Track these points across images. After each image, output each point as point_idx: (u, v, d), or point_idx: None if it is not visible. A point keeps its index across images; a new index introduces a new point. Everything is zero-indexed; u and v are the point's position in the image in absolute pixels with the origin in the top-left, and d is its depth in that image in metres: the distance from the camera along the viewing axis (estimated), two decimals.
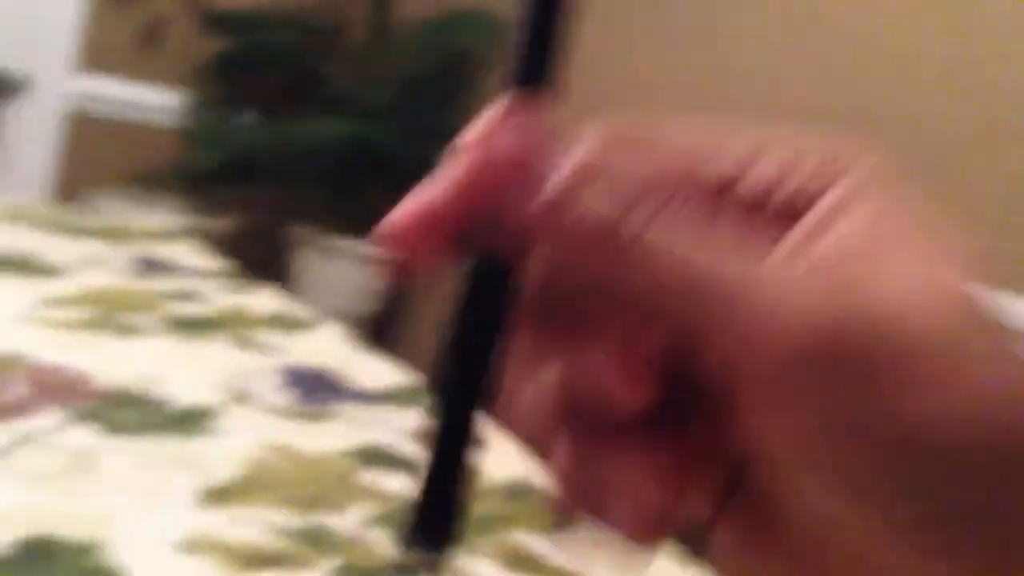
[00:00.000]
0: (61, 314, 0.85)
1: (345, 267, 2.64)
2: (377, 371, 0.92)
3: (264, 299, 1.08)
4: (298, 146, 2.59)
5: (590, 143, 0.21)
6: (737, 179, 0.22)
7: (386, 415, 0.80)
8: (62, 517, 0.51)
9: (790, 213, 0.21)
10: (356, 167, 2.60)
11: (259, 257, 2.88)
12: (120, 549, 0.49)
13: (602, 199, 0.20)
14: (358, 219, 2.66)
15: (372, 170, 2.62)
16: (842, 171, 0.21)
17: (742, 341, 0.19)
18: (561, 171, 0.20)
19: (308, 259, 2.69)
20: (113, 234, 1.20)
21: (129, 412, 0.68)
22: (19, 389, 0.67)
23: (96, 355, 0.78)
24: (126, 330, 0.86)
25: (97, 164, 2.69)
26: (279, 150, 2.61)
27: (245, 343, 0.91)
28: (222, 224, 2.70)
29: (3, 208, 1.20)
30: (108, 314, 0.88)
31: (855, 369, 0.18)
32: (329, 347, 0.96)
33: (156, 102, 2.73)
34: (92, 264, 1.05)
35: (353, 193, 2.66)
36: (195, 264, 1.17)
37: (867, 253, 0.19)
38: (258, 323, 0.98)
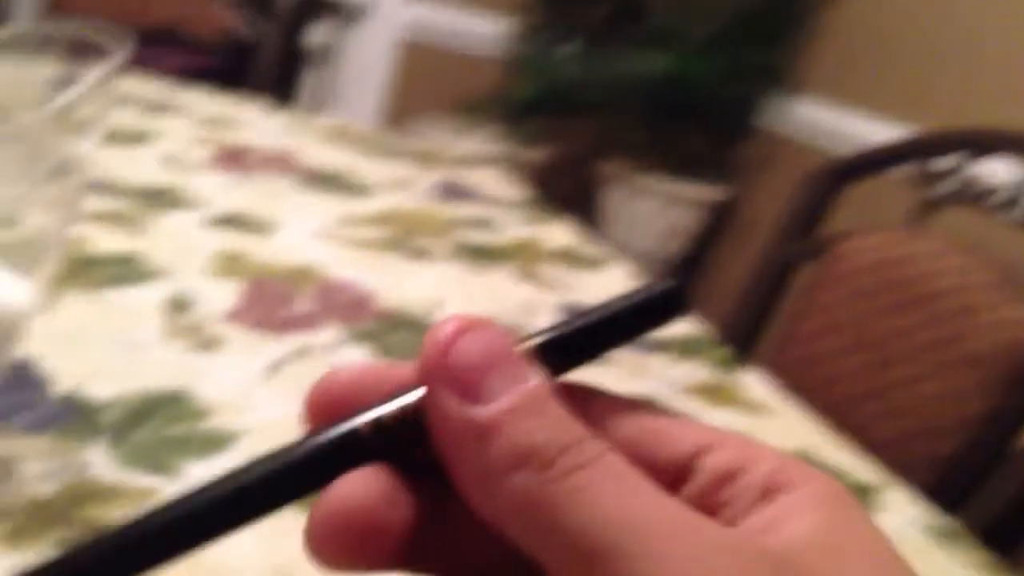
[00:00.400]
0: (359, 233, 0.88)
1: (653, 206, 2.60)
2: None
3: (558, 232, 1.06)
4: (617, 79, 2.55)
5: (540, 377, 0.20)
6: (683, 464, 0.21)
7: (665, 365, 0.76)
8: None
9: (734, 510, 0.20)
10: (674, 104, 2.53)
11: (569, 190, 2.90)
12: None
13: (545, 429, 0.19)
14: (671, 158, 2.60)
15: (689, 108, 2.54)
16: (795, 480, 0.20)
17: None
18: (512, 388, 0.19)
19: (617, 196, 2.67)
20: (425, 158, 1.23)
21: (404, 335, 0.68)
22: (306, 304, 0.70)
23: (383, 276, 0.79)
24: (417, 253, 0.87)
25: (424, 90, 2.80)
26: (598, 83, 2.59)
27: (531, 276, 0.89)
28: (536, 155, 2.74)
29: (327, 127, 1.27)
30: (402, 236, 0.90)
31: None
32: (615, 287, 0.93)
33: (483, 31, 2.80)
34: (398, 186, 1.07)
35: (668, 131, 2.60)
36: (497, 192, 1.17)
37: (818, 558, 0.19)
38: (548, 256, 0.96)
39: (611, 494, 0.18)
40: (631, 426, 0.22)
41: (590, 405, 0.22)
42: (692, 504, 0.20)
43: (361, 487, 0.19)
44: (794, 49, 2.55)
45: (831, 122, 2.39)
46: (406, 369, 0.21)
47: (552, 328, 0.21)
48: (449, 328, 0.19)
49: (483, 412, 0.19)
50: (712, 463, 0.21)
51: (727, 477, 0.21)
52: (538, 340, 0.21)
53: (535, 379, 0.19)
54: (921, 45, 2.20)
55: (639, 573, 0.17)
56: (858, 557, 0.19)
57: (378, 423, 0.20)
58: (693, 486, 0.21)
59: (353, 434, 0.20)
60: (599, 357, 0.22)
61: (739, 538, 0.19)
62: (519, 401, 0.19)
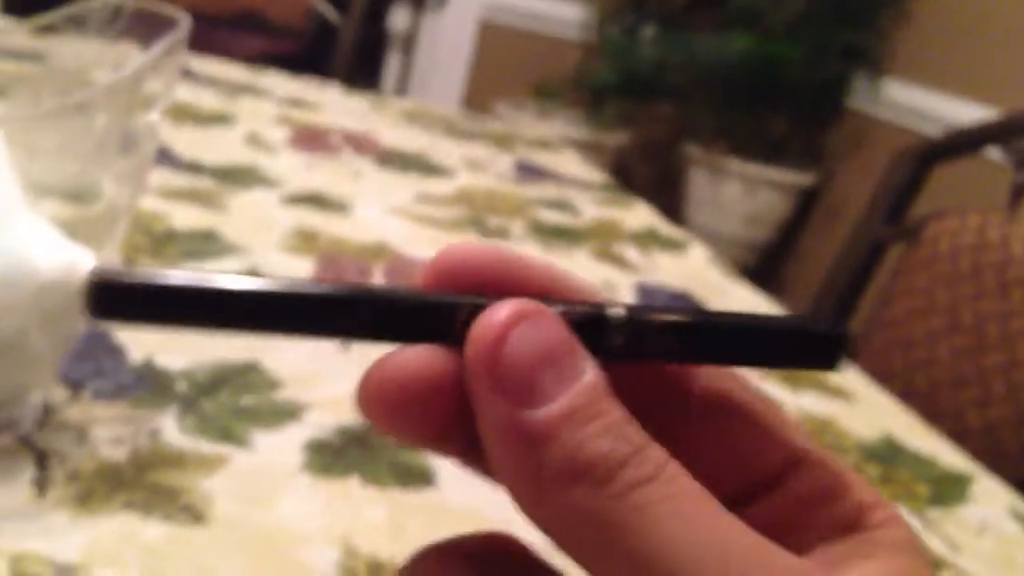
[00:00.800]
0: (435, 211, 0.87)
1: (738, 191, 2.55)
2: (742, 300, 0.86)
3: (636, 215, 1.04)
4: (699, 62, 2.51)
5: (595, 372, 0.18)
6: (777, 471, 0.21)
7: None
8: None
9: (814, 535, 0.20)
10: (758, 86, 2.48)
11: (651, 175, 2.87)
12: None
13: (602, 436, 0.17)
14: (756, 142, 2.55)
15: (775, 90, 2.49)
16: (879, 521, 0.20)
17: None
18: (566, 388, 0.18)
19: (700, 180, 2.63)
20: (501, 140, 1.22)
21: None
22: (380, 279, 0.69)
23: None
24: (492, 232, 0.86)
25: (505, 74, 2.80)
26: (680, 65, 2.55)
27: (608, 257, 0.88)
28: (617, 138, 2.71)
29: (405, 109, 1.27)
30: (478, 215, 0.89)
31: None
32: (695, 269, 0.91)
33: (562, 15, 2.78)
34: (475, 166, 1.07)
35: (751, 113, 2.55)
36: (575, 174, 1.15)
37: None
38: (626, 237, 0.95)
39: (679, 515, 0.17)
40: (733, 418, 0.21)
41: (697, 384, 0.21)
42: (773, 515, 0.20)
43: (430, 358, 0.19)
44: (882, 30, 2.47)
45: (922, 103, 2.31)
46: (539, 271, 0.20)
47: (672, 311, 0.20)
48: (500, 318, 0.18)
49: (535, 417, 0.17)
50: (806, 481, 0.20)
51: (817, 500, 0.20)
52: (653, 317, 0.19)
53: (590, 374, 0.18)
54: (1013, 25, 2.11)
55: None
56: None
57: (473, 314, 0.18)
58: (780, 498, 0.21)
59: (450, 309, 0.19)
60: (712, 362, 0.20)
61: (809, 569, 0.18)
62: (574, 403, 0.17)
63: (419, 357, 0.19)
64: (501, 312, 0.18)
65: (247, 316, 0.18)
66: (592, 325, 0.19)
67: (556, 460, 0.17)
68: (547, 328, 0.18)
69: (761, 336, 0.20)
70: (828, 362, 0.20)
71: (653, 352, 0.19)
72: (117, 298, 0.17)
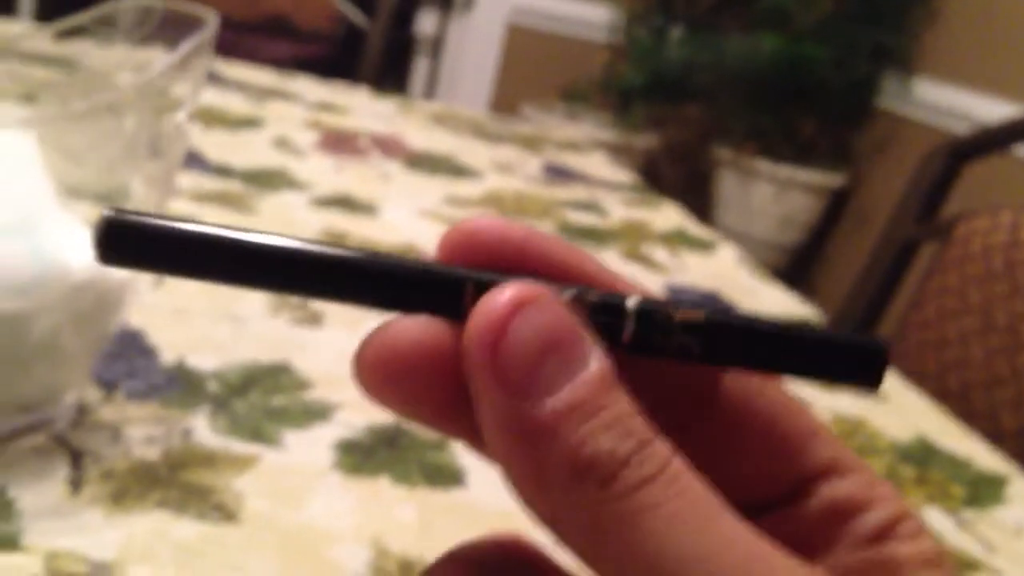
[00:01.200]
0: (463, 213, 0.88)
1: (768, 193, 2.54)
2: (773, 300, 0.85)
3: (665, 215, 1.04)
4: (727, 63, 2.50)
5: (600, 360, 0.17)
6: (806, 478, 0.20)
7: None
8: None
9: (840, 546, 0.19)
10: (787, 87, 2.47)
11: (680, 177, 2.86)
12: (464, 451, 0.48)
13: (605, 431, 0.16)
14: (786, 143, 2.53)
15: (803, 91, 2.47)
16: (907, 532, 0.19)
17: None
18: (569, 378, 0.17)
19: (730, 182, 2.62)
20: (529, 142, 1.22)
21: None
22: None
23: None
24: None
25: (533, 77, 2.80)
26: (708, 67, 2.54)
27: (636, 258, 0.88)
28: (646, 140, 2.70)
29: (433, 111, 1.27)
30: (508, 217, 0.89)
31: None
32: (724, 269, 0.91)
33: (589, 16, 2.78)
34: (504, 169, 1.07)
35: (780, 115, 2.53)
36: (604, 176, 1.15)
37: None
38: (655, 238, 0.94)
39: (679, 518, 0.16)
40: (762, 419, 0.20)
41: (726, 377, 0.20)
42: (798, 522, 0.20)
43: (433, 329, 0.18)
44: (911, 29, 2.45)
45: (952, 102, 2.29)
46: (564, 254, 0.19)
47: (695, 308, 0.18)
48: (501, 302, 0.17)
49: (536, 411, 0.16)
50: (835, 492, 0.20)
51: (845, 513, 0.20)
52: (686, 317, 0.18)
53: (595, 364, 0.17)
54: None
55: None
56: None
57: (480, 290, 0.18)
58: (807, 509, 0.20)
59: (456, 283, 0.18)
60: (735, 368, 0.19)
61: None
62: (576, 396, 0.16)
63: (421, 327, 0.18)
64: (502, 296, 0.17)
65: (250, 271, 0.18)
66: (605, 314, 0.18)
67: (557, 457, 0.16)
68: (551, 314, 0.17)
69: (792, 344, 0.18)
70: (869, 378, 0.18)
71: (670, 350, 0.18)
72: (126, 241, 0.17)
